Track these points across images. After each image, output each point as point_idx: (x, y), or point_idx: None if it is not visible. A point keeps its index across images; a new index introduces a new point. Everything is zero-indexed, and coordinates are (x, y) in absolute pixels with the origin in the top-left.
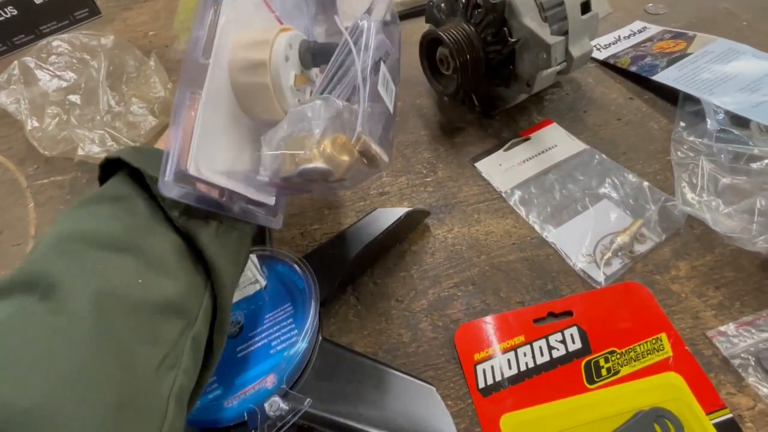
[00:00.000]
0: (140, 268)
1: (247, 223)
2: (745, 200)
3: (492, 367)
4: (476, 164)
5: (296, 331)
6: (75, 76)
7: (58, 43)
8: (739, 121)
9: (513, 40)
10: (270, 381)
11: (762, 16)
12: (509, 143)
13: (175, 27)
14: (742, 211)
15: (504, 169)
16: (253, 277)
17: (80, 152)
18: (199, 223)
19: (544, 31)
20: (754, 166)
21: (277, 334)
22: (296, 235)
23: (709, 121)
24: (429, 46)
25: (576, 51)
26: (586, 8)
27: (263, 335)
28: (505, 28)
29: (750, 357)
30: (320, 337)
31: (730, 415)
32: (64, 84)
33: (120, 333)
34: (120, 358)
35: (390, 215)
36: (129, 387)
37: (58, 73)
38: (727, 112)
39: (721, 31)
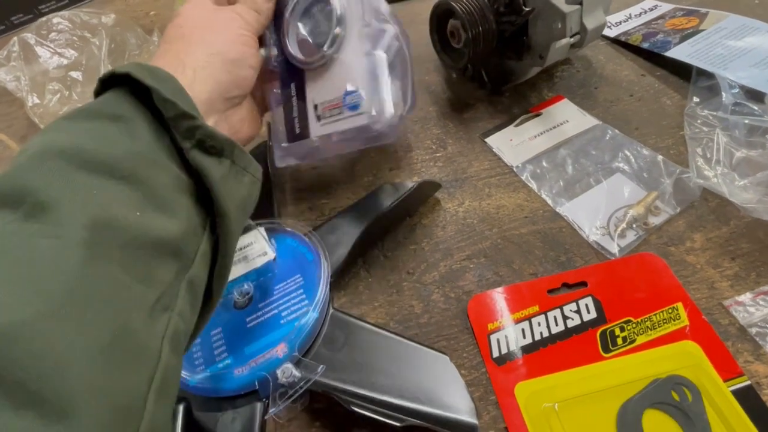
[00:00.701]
0: (139, 200)
1: (259, 168)
2: (761, 172)
3: (506, 337)
4: (486, 140)
5: (307, 302)
6: (76, 53)
7: (59, 20)
8: (754, 96)
9: (527, 9)
10: (281, 350)
11: None
12: (520, 119)
13: (175, 7)
14: (757, 183)
15: (515, 144)
16: (262, 250)
17: None
18: (212, 160)
19: (559, 0)
20: None
21: (287, 304)
22: (305, 209)
23: (724, 95)
24: (440, 18)
25: (590, 23)
26: None
27: (273, 306)
28: None
29: (767, 326)
30: (331, 308)
31: (748, 382)
32: (65, 61)
33: (114, 267)
34: (113, 292)
35: (399, 188)
36: (121, 322)
37: (59, 51)
38: (741, 87)
39: (733, 8)
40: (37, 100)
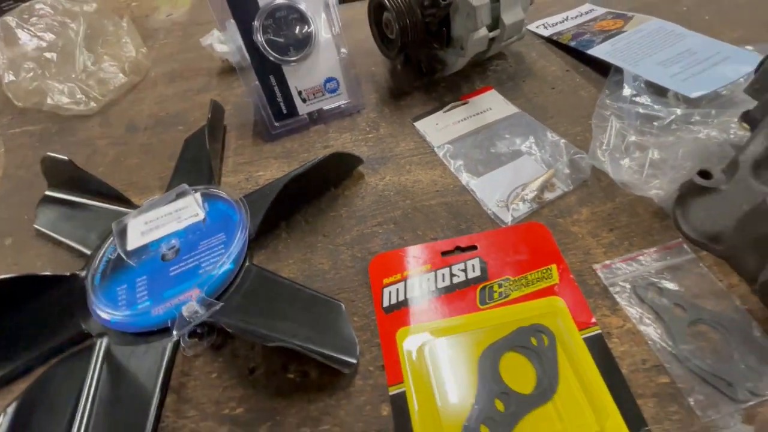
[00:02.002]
0: None
1: None
2: (639, 153)
3: (397, 290)
4: (415, 123)
5: (225, 256)
6: (54, 37)
7: (41, 6)
8: (658, 90)
9: (446, 2)
10: (195, 294)
11: (700, 3)
12: (449, 106)
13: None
14: (639, 164)
15: (440, 127)
16: (193, 212)
17: (49, 101)
18: None
19: None
20: (656, 124)
21: (207, 257)
22: (242, 179)
23: (625, 86)
24: (376, 11)
25: (508, 19)
26: None
27: (194, 258)
28: None
29: (627, 285)
30: (248, 263)
31: (599, 332)
32: (43, 44)
33: None
34: None
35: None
36: None
37: (39, 34)
38: (647, 82)
39: (663, 14)
40: (12, 78)
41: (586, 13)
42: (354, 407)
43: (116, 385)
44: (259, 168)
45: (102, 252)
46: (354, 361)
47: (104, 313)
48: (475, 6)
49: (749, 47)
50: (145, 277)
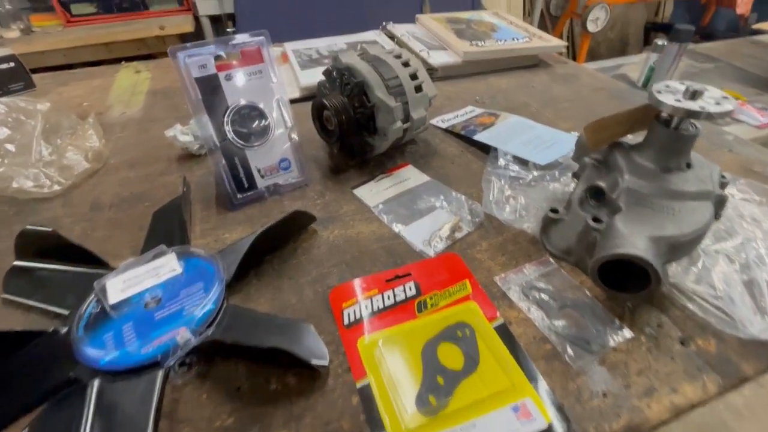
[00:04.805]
0: None
1: None
2: (513, 201)
3: (354, 311)
4: (354, 191)
5: (206, 299)
6: (10, 132)
7: None
8: (521, 161)
9: (370, 104)
10: (182, 332)
11: (545, 105)
12: (378, 177)
13: (110, 100)
14: (514, 209)
15: (373, 193)
16: (171, 267)
17: (14, 185)
18: None
19: (389, 99)
20: (521, 182)
21: (190, 301)
22: (210, 242)
23: (500, 159)
24: (318, 110)
25: (415, 115)
26: (418, 89)
27: (177, 303)
28: (365, 97)
29: (517, 288)
30: (225, 303)
31: (503, 321)
32: (1, 137)
33: None
34: None
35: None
36: None
37: None
38: (514, 156)
39: (520, 113)
40: None
41: (470, 112)
42: (329, 402)
43: (111, 417)
44: (225, 232)
45: (83, 308)
46: (326, 363)
47: (93, 355)
48: (391, 107)
49: (575, 133)
50: (131, 323)
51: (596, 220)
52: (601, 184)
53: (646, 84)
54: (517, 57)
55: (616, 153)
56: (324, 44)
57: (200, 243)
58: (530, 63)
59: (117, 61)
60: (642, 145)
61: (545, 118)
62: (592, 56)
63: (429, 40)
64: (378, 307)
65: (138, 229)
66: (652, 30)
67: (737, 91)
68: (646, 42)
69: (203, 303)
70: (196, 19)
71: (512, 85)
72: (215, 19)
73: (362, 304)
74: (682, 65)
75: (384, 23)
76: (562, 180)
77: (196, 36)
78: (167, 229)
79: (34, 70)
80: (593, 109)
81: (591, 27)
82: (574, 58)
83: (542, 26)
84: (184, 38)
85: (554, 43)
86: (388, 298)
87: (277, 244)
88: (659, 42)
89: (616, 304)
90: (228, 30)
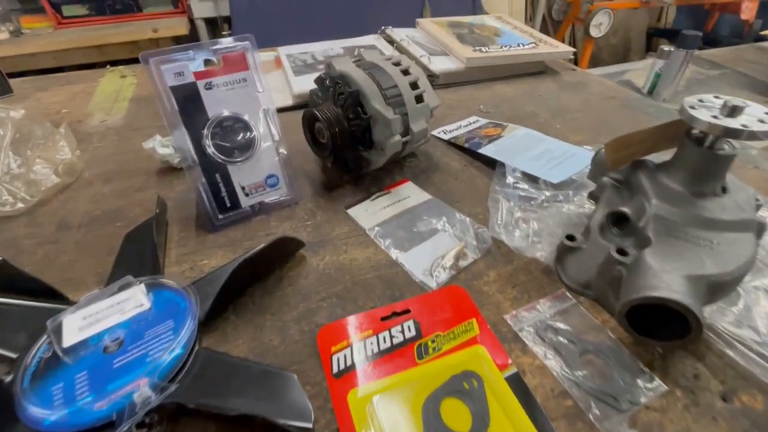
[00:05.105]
0: None
1: None
2: (525, 226)
3: (345, 356)
4: (348, 210)
5: (175, 342)
6: None
7: None
8: (531, 178)
9: (366, 116)
10: (142, 384)
11: (553, 115)
12: (375, 195)
13: (90, 107)
14: (525, 234)
15: (369, 213)
16: (138, 302)
17: None
18: None
19: (387, 111)
20: (533, 203)
21: (155, 345)
22: (186, 269)
23: (508, 176)
24: (309, 121)
25: (415, 127)
26: (419, 99)
27: (141, 347)
28: (360, 108)
29: (531, 329)
30: (197, 346)
31: (516, 371)
32: None
33: None
34: None
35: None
36: None
37: None
38: (522, 172)
39: (527, 124)
40: None
41: (474, 122)
42: None
43: None
44: (204, 257)
45: (32, 352)
46: (310, 425)
47: (37, 414)
48: (389, 119)
49: (588, 147)
50: (84, 372)
51: (621, 252)
52: (626, 210)
53: (652, 91)
54: (523, 63)
55: (640, 173)
56: (320, 49)
57: (175, 271)
58: (536, 70)
59: (110, 64)
60: (670, 165)
61: (554, 130)
62: (594, 62)
63: (430, 45)
64: (372, 352)
65: (107, 253)
66: (654, 35)
67: (744, 98)
68: (648, 48)
69: (171, 347)
70: (192, 21)
71: (518, 94)
72: (211, 22)
73: (354, 347)
74: (688, 72)
75: (383, 27)
76: (576, 200)
77: (190, 39)
78: (138, 254)
79: (24, 73)
80: (605, 120)
81: (594, 32)
82: (576, 64)
83: (543, 31)
84: (178, 41)
85: (562, 48)
86: (384, 340)
87: (260, 274)
88: (666, 48)
89: (644, 348)
90: (223, 33)
